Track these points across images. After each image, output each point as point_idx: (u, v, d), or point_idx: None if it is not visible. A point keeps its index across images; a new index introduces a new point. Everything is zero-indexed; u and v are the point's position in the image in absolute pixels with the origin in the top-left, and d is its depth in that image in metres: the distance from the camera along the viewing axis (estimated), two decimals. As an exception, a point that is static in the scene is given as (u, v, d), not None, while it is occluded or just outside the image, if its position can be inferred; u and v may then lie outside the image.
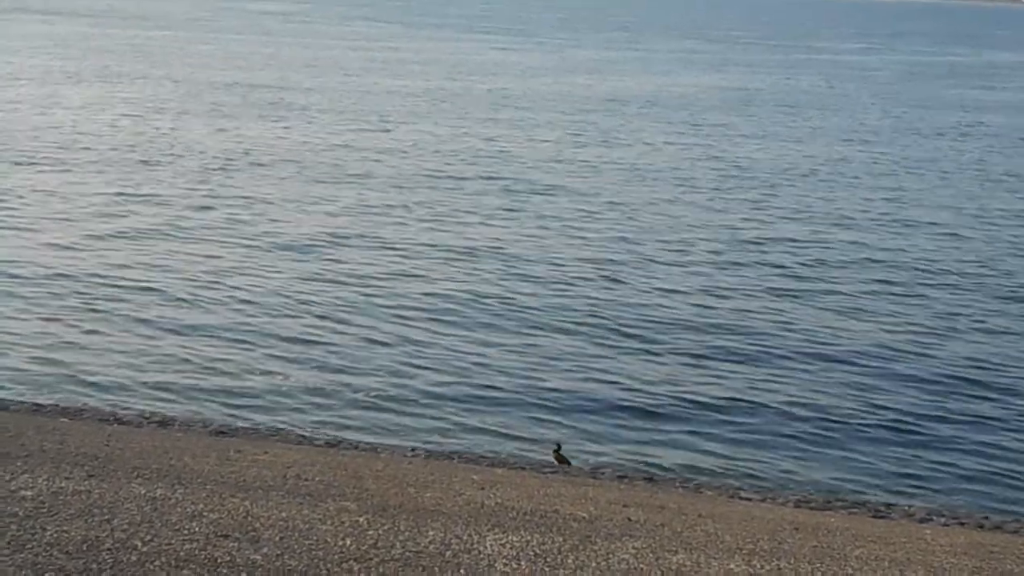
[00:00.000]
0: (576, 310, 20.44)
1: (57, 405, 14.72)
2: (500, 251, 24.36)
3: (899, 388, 17.45)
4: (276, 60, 68.33)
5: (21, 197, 27.38)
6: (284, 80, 57.15)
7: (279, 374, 16.75)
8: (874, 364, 18.48)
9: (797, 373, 17.90)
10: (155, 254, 22.89)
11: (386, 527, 9.33)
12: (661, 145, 41.43)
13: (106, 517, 8.98)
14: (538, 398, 16.36)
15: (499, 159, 36.22)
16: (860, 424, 16.00)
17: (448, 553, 8.89)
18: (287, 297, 20.51)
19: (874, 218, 29.79)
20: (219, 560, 8.34)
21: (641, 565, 9.05)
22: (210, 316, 19.29)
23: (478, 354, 18.02)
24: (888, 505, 13.27)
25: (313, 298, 20.52)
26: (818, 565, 9.50)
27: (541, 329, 19.37)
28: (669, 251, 25.05)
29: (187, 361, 17.11)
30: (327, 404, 15.74)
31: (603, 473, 13.68)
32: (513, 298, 21.08)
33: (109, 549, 8.36)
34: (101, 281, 20.99)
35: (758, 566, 9.30)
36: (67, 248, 23.07)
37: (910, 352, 19.10)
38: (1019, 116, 58.62)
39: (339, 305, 20.18)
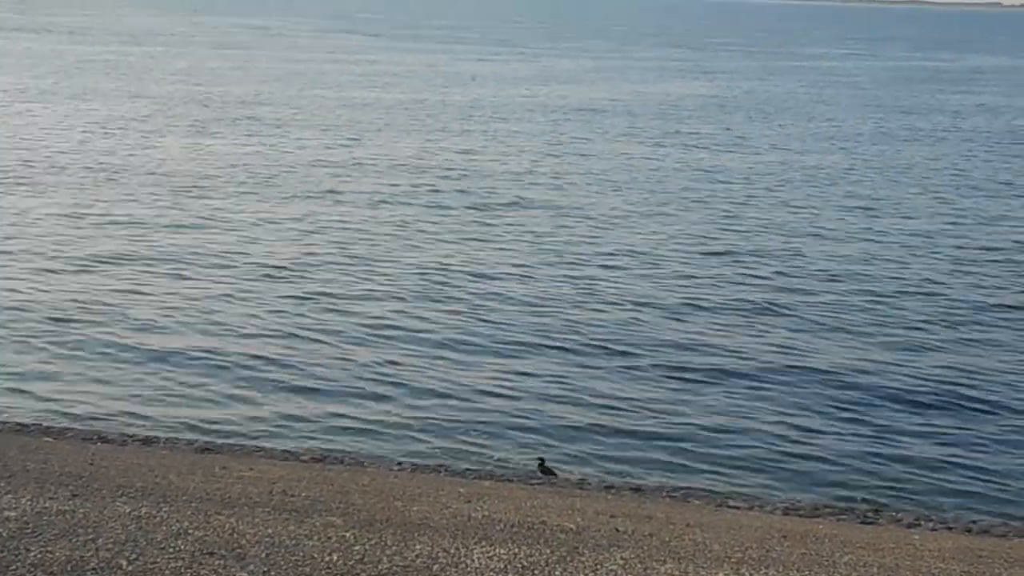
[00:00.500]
0: (556, 324, 20.30)
1: (40, 424, 14.63)
2: (475, 266, 24.20)
3: (884, 395, 17.45)
4: (252, 74, 68.12)
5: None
6: (258, 95, 56.94)
7: (263, 391, 16.69)
8: (858, 371, 18.48)
9: (781, 382, 17.88)
10: (132, 275, 22.69)
11: (373, 542, 9.28)
12: (637, 155, 41.28)
13: (90, 536, 8.92)
14: (523, 410, 16.32)
15: (473, 172, 36.02)
16: (846, 430, 16.00)
17: (435, 567, 8.85)
18: (266, 316, 20.41)
19: (851, 226, 29.63)
20: (205, 578, 8.29)
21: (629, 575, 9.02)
22: (190, 335, 19.19)
23: (460, 368, 17.96)
24: (876, 511, 13.26)
25: (293, 316, 20.42)
26: (807, 572, 9.49)
27: (522, 343, 19.26)
28: (645, 263, 24.90)
29: (170, 379, 17.03)
30: (312, 419, 15.68)
31: (590, 484, 13.65)
32: (492, 313, 21.00)
33: (94, 569, 8.30)
34: (80, 302, 20.87)
35: (747, 574, 9.28)
36: (43, 269, 22.90)
37: (893, 360, 19.10)
38: (997, 119, 58.85)
39: (318, 323, 20.06)
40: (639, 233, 27.91)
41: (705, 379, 17.77)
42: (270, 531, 9.37)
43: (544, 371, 17.90)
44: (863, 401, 17.15)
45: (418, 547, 9.25)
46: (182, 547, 8.85)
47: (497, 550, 9.32)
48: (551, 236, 27.28)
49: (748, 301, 22.17)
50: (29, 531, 8.96)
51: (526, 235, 27.34)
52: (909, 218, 31.13)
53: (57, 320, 19.56)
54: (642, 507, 11.96)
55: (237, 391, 16.61)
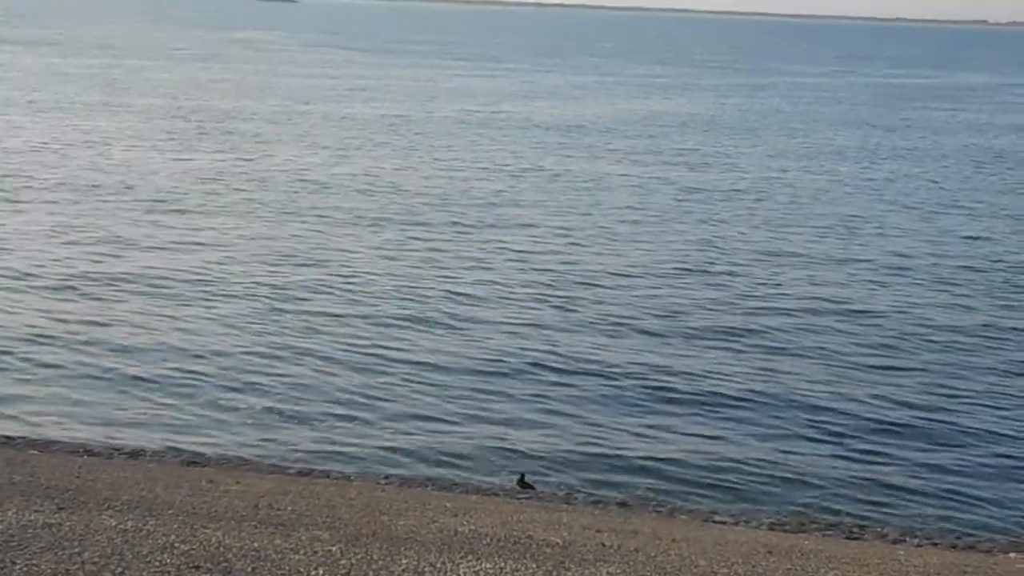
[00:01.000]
0: (539, 345, 20.26)
1: (26, 437, 14.60)
2: (456, 284, 24.11)
3: (869, 413, 17.49)
4: (238, 88, 68.09)
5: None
6: (242, 109, 56.89)
7: (250, 405, 16.67)
8: (842, 388, 18.53)
9: (765, 400, 17.90)
10: (118, 291, 22.62)
11: (359, 556, 9.28)
12: (617, 173, 41.20)
13: (77, 550, 8.91)
14: (508, 427, 16.32)
15: (453, 189, 35.89)
16: (832, 447, 16.03)
17: (422, 581, 8.86)
18: (253, 332, 20.38)
19: (830, 246, 29.48)
20: (191, 592, 8.28)
21: (615, 590, 9.04)
22: (177, 350, 19.16)
23: (445, 385, 17.94)
24: (862, 526, 13.29)
25: (279, 332, 20.40)
26: (792, 588, 9.51)
27: (505, 362, 19.14)
28: (625, 283, 24.79)
29: (157, 393, 17.00)
30: (299, 433, 15.67)
31: (576, 498, 13.66)
32: (475, 331, 20.97)
33: (80, 582, 8.29)
34: (66, 318, 20.85)
35: (732, 590, 9.30)
36: (26, 285, 22.82)
37: (877, 378, 19.13)
38: (979, 137, 59.03)
39: (304, 339, 20.01)
40: (619, 252, 27.76)
41: (689, 398, 17.76)
42: (256, 545, 9.37)
43: (527, 390, 17.84)
44: (848, 418, 17.17)
45: (405, 561, 9.25)
46: (168, 561, 8.84)
47: (483, 564, 9.33)
48: (531, 255, 27.13)
49: (728, 320, 22.15)
50: (15, 544, 8.95)
51: (506, 254, 27.17)
52: (887, 237, 31.06)
53: (42, 335, 19.52)
54: (628, 522, 11.98)
55: (223, 405, 16.59)
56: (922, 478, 15.09)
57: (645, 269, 26.07)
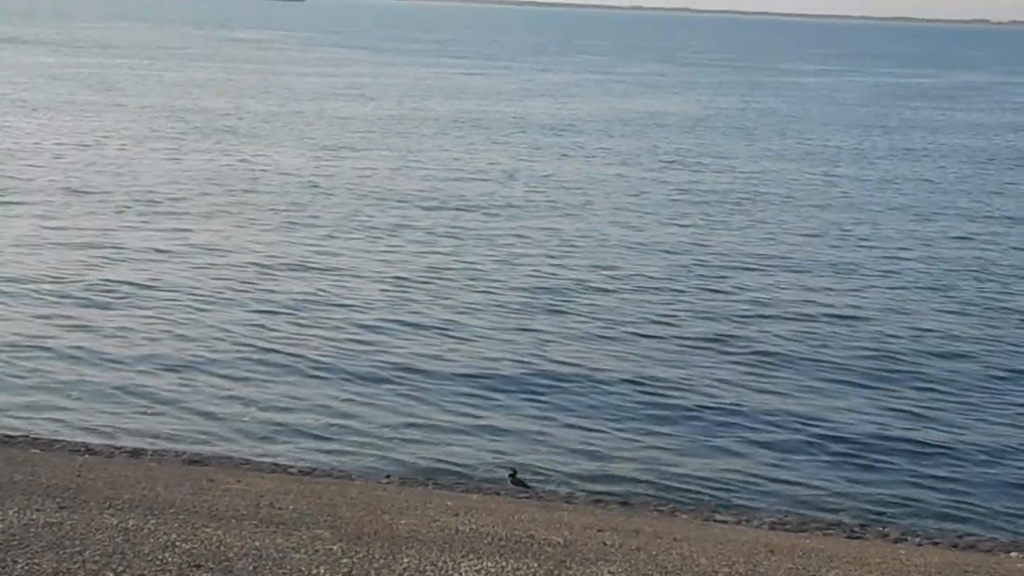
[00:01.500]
0: (536, 342, 20.30)
1: (28, 436, 14.60)
2: (448, 282, 24.19)
3: (870, 411, 17.49)
4: (238, 87, 68.03)
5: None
6: (241, 107, 56.88)
7: (251, 404, 16.67)
8: (846, 387, 18.54)
9: (766, 399, 17.93)
10: (117, 289, 22.63)
11: (360, 555, 9.28)
12: (612, 171, 41.21)
13: (78, 549, 8.91)
14: (509, 424, 16.33)
15: (447, 188, 35.90)
16: (833, 447, 16.02)
17: (423, 580, 8.85)
18: (254, 330, 20.38)
19: (821, 246, 29.47)
20: (192, 591, 8.28)
21: (617, 590, 9.03)
22: (177, 349, 19.16)
23: (445, 384, 17.95)
24: (863, 526, 13.29)
25: (281, 331, 20.41)
26: (794, 587, 9.51)
27: (503, 360, 19.20)
28: (618, 281, 24.78)
29: (158, 391, 17.00)
30: (300, 433, 15.67)
31: (577, 498, 13.66)
32: (471, 330, 21.00)
33: (81, 581, 8.29)
34: (67, 315, 20.86)
35: (734, 589, 9.30)
36: (25, 282, 22.85)
37: (879, 377, 19.14)
38: (977, 137, 59.00)
39: (305, 338, 20.02)
40: (613, 253, 27.63)
41: (689, 399, 17.77)
42: (257, 544, 9.37)
43: (526, 391, 17.77)
44: (849, 418, 17.17)
45: (406, 560, 9.25)
46: (169, 559, 8.84)
47: (485, 563, 9.33)
48: (525, 257, 27.03)
49: (727, 322, 22.05)
50: (16, 543, 8.94)
51: (500, 255, 27.10)
52: (882, 238, 30.88)
53: (42, 335, 19.52)
54: (629, 521, 11.97)
55: (224, 404, 16.59)
56: (923, 478, 15.09)
57: (640, 271, 25.96)
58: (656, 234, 30.04)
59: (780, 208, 34.86)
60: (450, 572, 9.07)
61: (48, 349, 18.69)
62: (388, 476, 14.05)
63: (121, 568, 8.57)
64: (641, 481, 14.55)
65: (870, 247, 29.53)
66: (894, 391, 18.38)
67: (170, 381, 17.41)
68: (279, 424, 15.91)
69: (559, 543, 10.19)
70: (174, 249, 26.00)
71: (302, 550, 9.29)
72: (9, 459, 12.24)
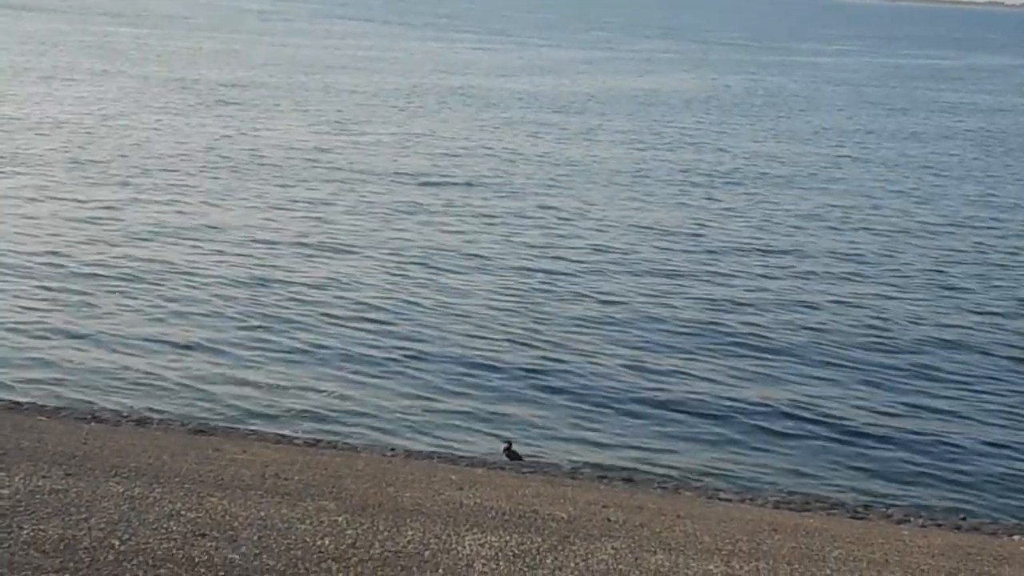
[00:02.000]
0: (540, 318, 20.35)
1: (35, 403, 14.64)
2: (455, 252, 24.30)
3: (873, 394, 17.50)
4: (241, 59, 67.79)
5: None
6: (244, 79, 56.71)
7: (257, 374, 16.70)
8: (851, 367, 18.54)
9: (774, 377, 17.94)
10: (122, 257, 22.67)
11: (365, 527, 9.31)
12: (613, 149, 41.12)
13: (83, 516, 8.94)
14: (512, 399, 16.36)
15: (448, 163, 35.85)
16: (838, 427, 16.04)
17: (427, 553, 8.88)
18: (260, 299, 20.43)
19: (820, 228, 29.42)
20: (197, 559, 8.31)
21: (620, 566, 9.05)
22: (184, 318, 19.20)
23: (448, 357, 17.99)
24: (866, 506, 13.30)
25: (286, 301, 20.45)
26: (797, 566, 9.52)
27: (506, 334, 19.25)
28: (618, 258, 24.77)
29: (164, 360, 17.04)
30: (306, 404, 15.70)
31: (582, 474, 13.68)
32: (478, 303, 21.07)
33: (86, 548, 8.32)
34: (75, 280, 20.89)
35: (737, 567, 9.31)
36: (36, 248, 22.89)
37: (884, 359, 19.14)
38: (985, 119, 58.81)
39: (312, 308, 20.09)
40: (613, 231, 27.62)
41: (689, 379, 17.79)
42: (262, 514, 9.39)
43: (529, 367, 17.82)
44: (853, 400, 17.18)
45: (410, 533, 9.28)
46: (174, 528, 8.86)
47: (488, 537, 9.35)
48: (525, 232, 27.04)
49: (730, 303, 22.06)
50: (22, 509, 8.97)
51: (501, 230, 27.08)
52: (884, 220, 30.77)
53: (48, 303, 19.55)
54: (634, 497, 12.00)
55: (231, 373, 16.62)
56: (927, 460, 15.10)
57: (640, 251, 25.88)
58: (656, 215, 29.87)
59: (781, 189, 34.65)
60: (454, 545, 9.09)
61: (54, 317, 18.71)
62: (393, 449, 14.07)
63: (126, 536, 8.60)
64: (644, 459, 14.57)
65: (871, 230, 29.34)
66: (897, 375, 18.36)
67: (175, 351, 17.43)
68: (284, 396, 15.93)
69: (563, 518, 10.21)
70: (175, 221, 25.99)
71: (307, 521, 9.32)
72: (16, 425, 12.28)
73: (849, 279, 24.05)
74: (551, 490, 11.64)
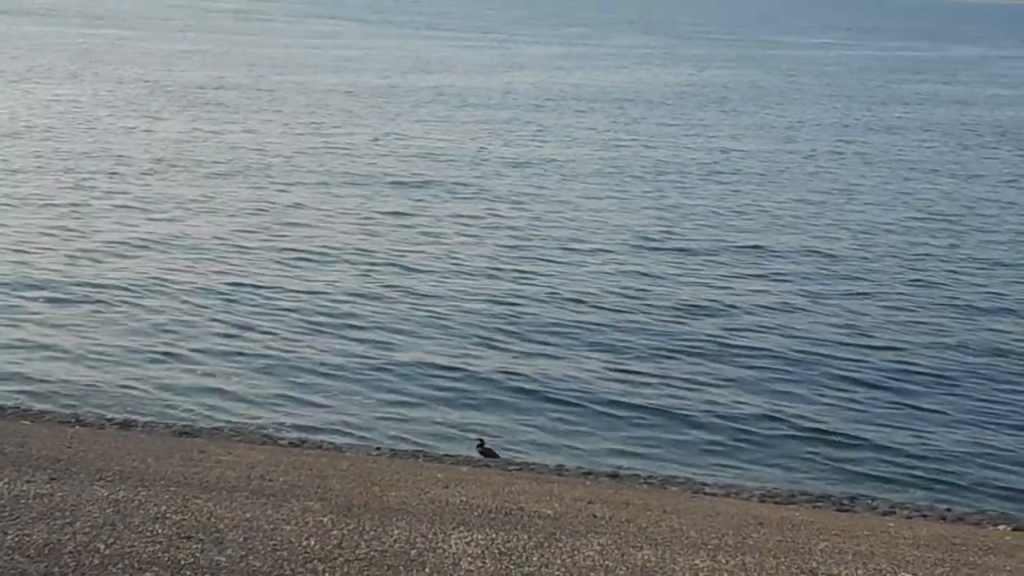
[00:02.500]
0: (518, 314, 20.38)
1: (18, 408, 14.59)
2: (433, 254, 24.28)
3: (859, 388, 17.54)
4: (219, 58, 67.49)
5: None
6: (221, 79, 56.44)
7: (241, 376, 16.67)
8: (832, 364, 18.56)
9: (756, 371, 17.97)
10: (103, 259, 22.63)
11: (351, 527, 9.29)
12: (588, 145, 41.04)
13: (68, 520, 8.90)
14: (499, 396, 16.37)
15: (423, 158, 35.94)
16: (823, 421, 16.08)
17: (413, 552, 8.86)
18: (241, 301, 20.40)
19: (798, 215, 29.58)
20: (182, 562, 8.28)
21: (606, 562, 9.05)
22: (166, 320, 19.15)
23: (432, 356, 17.99)
24: (852, 499, 13.34)
25: (269, 302, 20.44)
26: (783, 559, 9.53)
27: (487, 331, 19.26)
28: (592, 253, 24.90)
29: (148, 363, 17.00)
30: (290, 405, 15.68)
31: (568, 470, 13.68)
32: (464, 301, 21.06)
33: (71, 552, 8.28)
34: (54, 284, 20.82)
35: (723, 561, 9.32)
36: (15, 251, 22.81)
37: (867, 350, 19.20)
38: (964, 110, 58.85)
39: (293, 309, 20.08)
40: (586, 222, 27.68)
41: (684, 362, 17.86)
42: (248, 515, 9.37)
43: (522, 354, 17.93)
44: (838, 392, 17.23)
45: (396, 532, 9.26)
46: (160, 531, 8.83)
47: (475, 535, 9.34)
48: (497, 225, 27.15)
49: (714, 294, 22.16)
50: (7, 514, 8.93)
51: (472, 222, 27.21)
52: (857, 211, 30.94)
53: (32, 305, 19.48)
54: (619, 493, 12.00)
55: (215, 376, 16.59)
56: (912, 452, 15.15)
57: (616, 241, 26.01)
58: (631, 214, 29.72)
59: (756, 186, 34.38)
60: (440, 544, 9.08)
61: (37, 319, 18.65)
62: (378, 448, 14.06)
63: (111, 539, 8.56)
64: (631, 454, 14.59)
65: (847, 227, 29.08)
66: (878, 371, 18.38)
67: (160, 353, 17.40)
68: (269, 397, 15.91)
69: (549, 515, 10.21)
70: (147, 227, 25.93)
71: (292, 522, 9.30)
72: (-1, 430, 12.25)
73: (826, 275, 24.02)
74: (537, 487, 11.64)
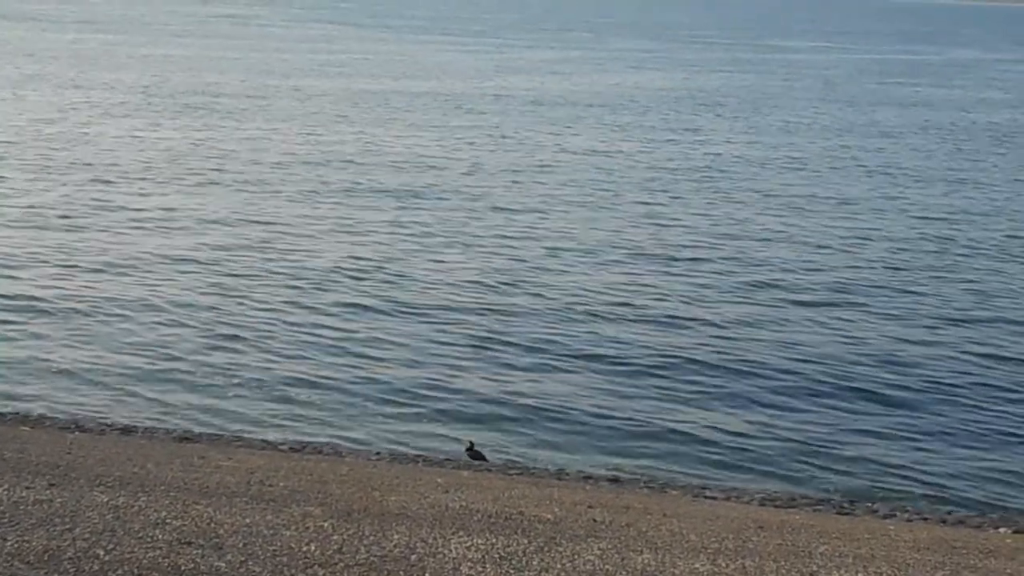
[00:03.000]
0: (514, 321, 20.32)
1: (18, 413, 14.57)
2: (426, 258, 24.26)
3: (860, 389, 17.55)
4: (215, 64, 67.32)
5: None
6: (217, 84, 56.34)
7: (241, 382, 16.66)
8: (832, 365, 18.57)
9: (754, 378, 17.93)
10: (104, 267, 22.60)
11: (351, 532, 9.29)
12: (580, 149, 40.98)
13: (68, 526, 8.90)
14: (498, 400, 16.36)
15: (418, 164, 35.82)
16: (823, 424, 16.08)
17: (413, 557, 8.86)
18: (241, 308, 20.39)
19: (795, 223, 29.51)
20: (182, 568, 8.28)
21: (606, 566, 9.05)
22: (166, 326, 19.14)
23: (432, 361, 17.99)
24: (852, 502, 13.33)
25: (268, 308, 20.42)
26: (783, 563, 9.53)
27: (486, 338, 19.23)
28: (586, 258, 24.86)
29: (148, 369, 16.99)
30: (290, 410, 15.67)
31: (568, 474, 13.68)
32: (464, 308, 21.05)
33: (71, 558, 8.28)
34: (55, 293, 20.81)
35: (723, 565, 9.32)
36: (10, 263, 22.79)
37: (866, 357, 19.15)
38: (958, 114, 58.80)
39: (293, 315, 20.07)
40: (581, 230, 27.58)
41: (684, 365, 17.87)
42: (248, 521, 9.37)
43: (518, 361, 17.91)
44: (838, 395, 17.22)
45: (396, 537, 9.26)
46: (160, 537, 8.83)
47: (475, 540, 9.34)
48: (492, 230, 27.12)
49: (709, 297, 22.15)
50: (6, 520, 8.93)
51: (467, 229, 27.14)
52: (850, 215, 30.90)
53: (32, 310, 19.47)
54: (619, 497, 12.00)
55: (215, 382, 16.57)
56: (912, 455, 15.15)
57: (611, 245, 25.98)
58: (624, 217, 29.69)
59: (748, 191, 34.07)
60: (440, 549, 9.08)
61: (37, 326, 18.64)
62: (378, 453, 14.05)
63: (111, 545, 8.56)
64: (631, 458, 14.58)
65: (841, 234, 28.84)
66: (884, 370, 18.40)
67: (160, 359, 17.38)
68: (269, 402, 15.91)
69: (549, 520, 10.20)
70: (151, 224, 26.06)
71: (293, 527, 9.30)
72: (-2, 436, 12.23)
73: (823, 283, 23.91)
74: (537, 491, 11.64)
